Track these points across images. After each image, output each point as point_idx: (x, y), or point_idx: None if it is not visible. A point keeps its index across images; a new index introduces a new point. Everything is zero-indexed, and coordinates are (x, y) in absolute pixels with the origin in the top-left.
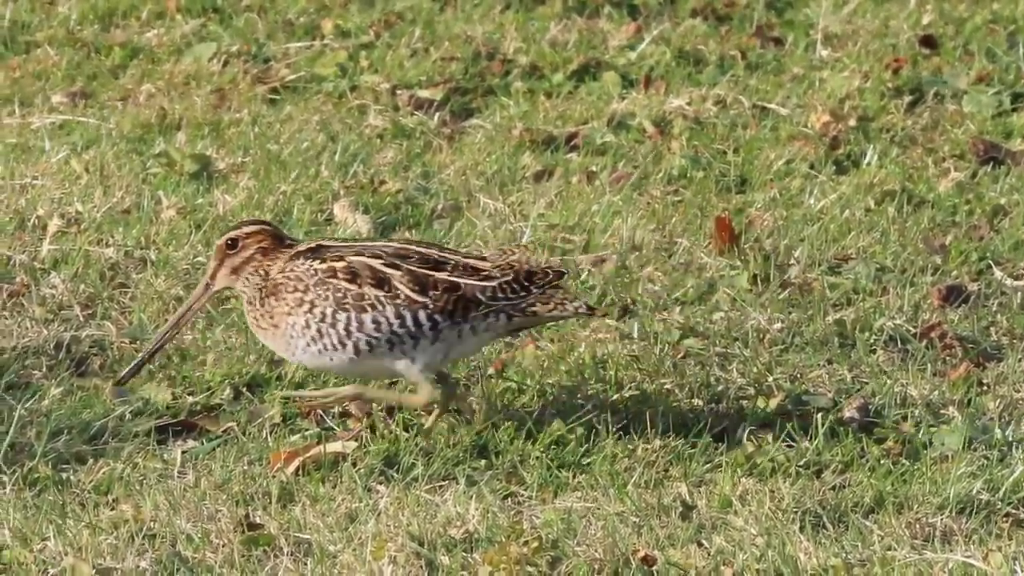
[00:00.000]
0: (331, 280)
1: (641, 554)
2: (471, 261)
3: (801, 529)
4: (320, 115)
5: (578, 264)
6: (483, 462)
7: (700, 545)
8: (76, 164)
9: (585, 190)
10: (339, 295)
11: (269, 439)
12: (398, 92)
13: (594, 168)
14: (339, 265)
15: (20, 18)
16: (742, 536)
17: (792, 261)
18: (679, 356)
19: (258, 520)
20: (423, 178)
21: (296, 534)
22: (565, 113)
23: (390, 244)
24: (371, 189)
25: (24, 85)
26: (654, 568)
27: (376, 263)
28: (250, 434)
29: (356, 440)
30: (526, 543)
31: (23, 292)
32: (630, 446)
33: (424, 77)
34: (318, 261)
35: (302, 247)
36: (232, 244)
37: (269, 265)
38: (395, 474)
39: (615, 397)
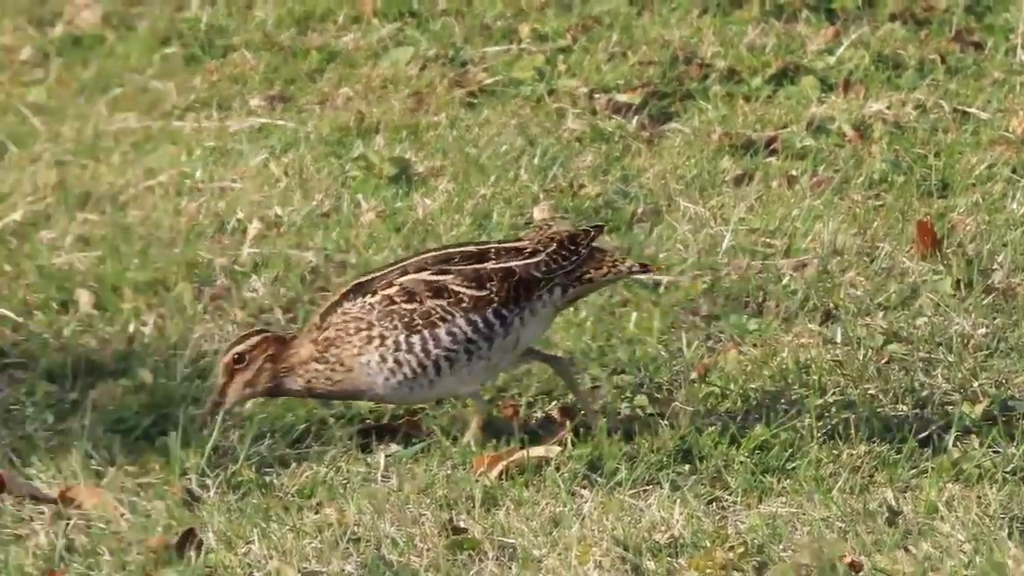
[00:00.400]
0: (392, 308)
1: (848, 560)
2: (509, 244)
3: (1009, 535)
4: (518, 119)
5: (779, 268)
6: (687, 467)
7: (907, 551)
8: (275, 167)
9: (785, 194)
10: (406, 319)
11: (472, 443)
12: (596, 96)
13: (794, 172)
14: (393, 291)
15: (217, 22)
16: (949, 542)
17: (995, 266)
18: (883, 361)
19: (462, 524)
20: (622, 182)
21: (500, 538)
22: (764, 117)
23: (426, 254)
24: (570, 193)
25: (222, 89)
26: (861, 574)
27: (425, 275)
28: (454, 438)
29: (560, 444)
30: (731, 548)
31: (224, 295)
32: (835, 451)
33: (622, 81)
34: (368, 295)
35: (324, 310)
36: (240, 359)
37: (288, 363)
38: (599, 478)
39: (819, 402)
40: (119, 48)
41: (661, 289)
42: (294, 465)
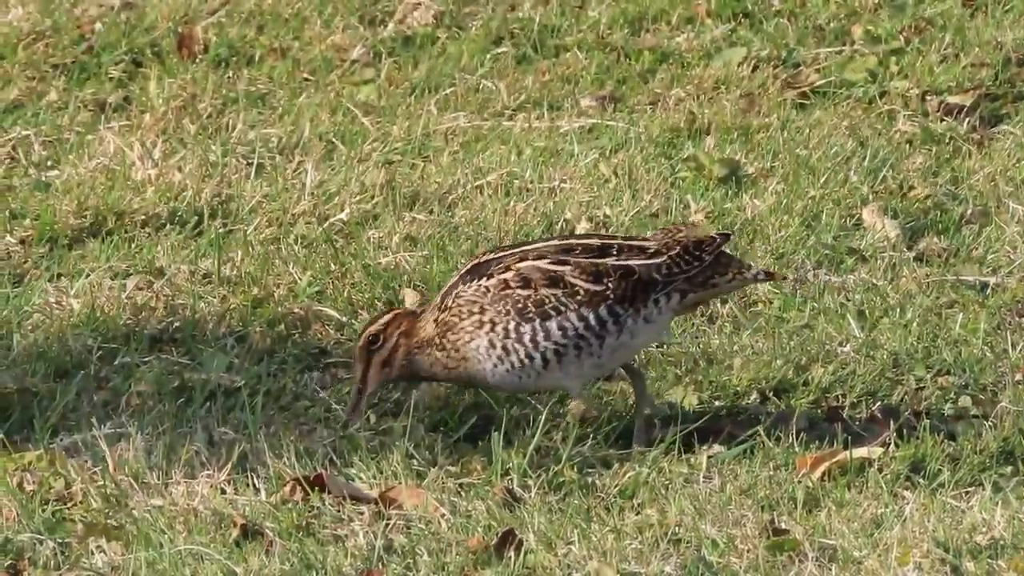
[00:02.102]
0: (506, 293)
1: None
2: (634, 242)
3: None
4: (849, 120)
5: None
6: (1009, 468)
7: None
8: (604, 168)
9: None
10: (519, 306)
11: (795, 444)
12: (928, 98)
13: None
14: (509, 276)
15: (550, 22)
16: None
17: None
18: None
19: (783, 525)
20: (952, 184)
21: (821, 539)
22: None
23: (549, 242)
24: (899, 194)
25: (553, 89)
26: None
27: (543, 263)
28: (776, 439)
29: (883, 445)
30: None
31: None
32: None
33: (953, 83)
34: (484, 279)
35: (444, 290)
36: (375, 340)
37: (419, 335)
38: (921, 480)
39: None
40: (451, 48)
41: (988, 291)
42: (616, 466)
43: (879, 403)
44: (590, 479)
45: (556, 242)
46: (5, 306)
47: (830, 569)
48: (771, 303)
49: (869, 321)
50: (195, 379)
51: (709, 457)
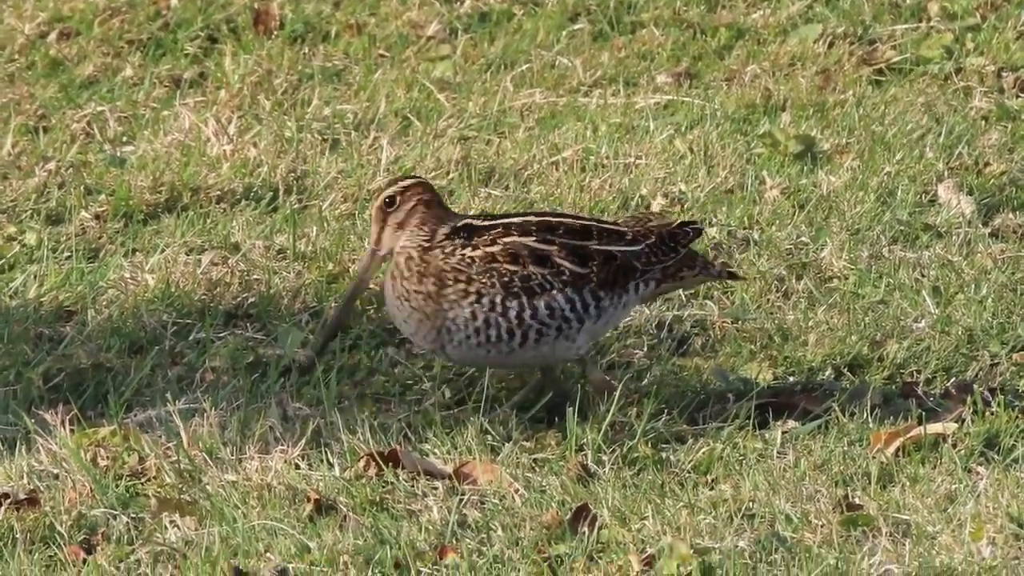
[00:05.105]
0: (493, 266)
1: None
2: (609, 226)
3: None
4: (925, 97)
5: None
6: None
7: None
8: (680, 144)
9: None
10: (505, 279)
11: (870, 420)
12: (1003, 74)
13: None
14: (496, 249)
15: None
16: None
17: None
18: None
19: (857, 501)
20: None
21: (895, 515)
22: None
23: (529, 218)
24: (975, 171)
25: (629, 65)
26: None
27: (530, 240)
28: (851, 414)
29: (957, 421)
30: None
31: None
32: None
33: None
34: (470, 248)
35: (457, 222)
36: (391, 202)
37: (435, 222)
38: (995, 455)
39: None
40: (527, 24)
41: None
42: (690, 441)
43: (953, 379)
44: (664, 454)
45: (537, 218)
46: (80, 281)
47: (904, 544)
48: (846, 279)
49: (944, 297)
50: (270, 354)
51: (783, 432)
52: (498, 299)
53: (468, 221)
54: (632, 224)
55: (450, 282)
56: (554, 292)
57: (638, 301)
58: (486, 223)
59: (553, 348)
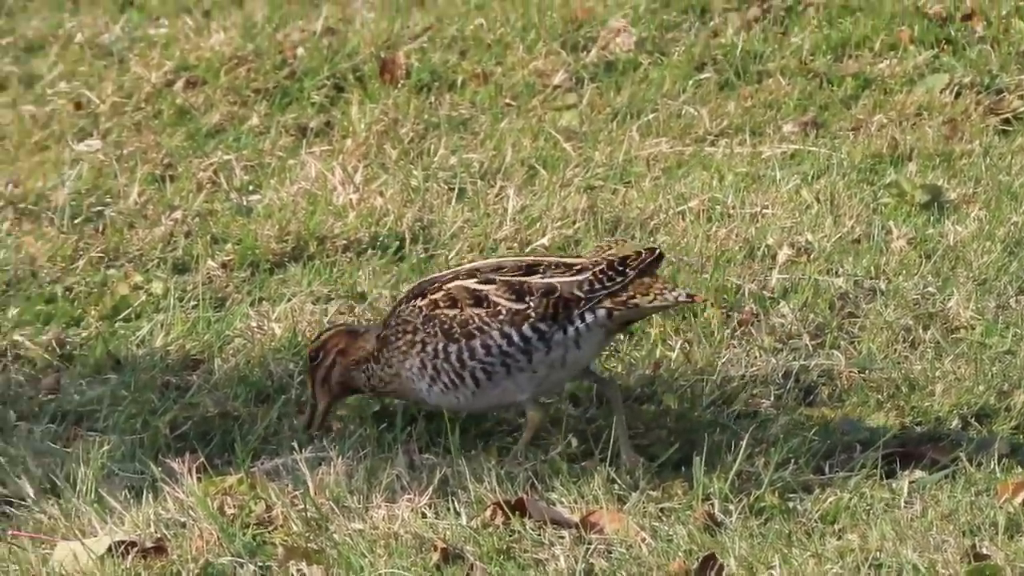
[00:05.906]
0: (435, 313)
1: None
2: (566, 259)
3: None
4: None
5: None
6: None
7: None
8: (806, 193)
9: None
10: (446, 326)
11: (997, 469)
12: None
13: None
14: (439, 296)
15: (752, 48)
16: None
17: None
18: None
19: (984, 551)
20: None
21: (1022, 565)
22: None
23: (489, 260)
24: None
25: (755, 115)
26: None
27: (471, 283)
28: (978, 464)
29: None
30: None
31: (752, 321)
32: None
33: None
34: (420, 299)
35: (392, 309)
36: (314, 357)
37: (355, 357)
38: None
39: None
40: (653, 73)
41: None
42: (817, 491)
43: None
44: (791, 504)
45: (487, 261)
46: (207, 330)
47: None
48: (973, 329)
49: None
50: (396, 404)
51: (911, 482)
52: (440, 346)
53: (420, 281)
54: (593, 255)
55: (399, 336)
56: (491, 331)
57: (603, 330)
58: (439, 275)
59: (516, 383)
